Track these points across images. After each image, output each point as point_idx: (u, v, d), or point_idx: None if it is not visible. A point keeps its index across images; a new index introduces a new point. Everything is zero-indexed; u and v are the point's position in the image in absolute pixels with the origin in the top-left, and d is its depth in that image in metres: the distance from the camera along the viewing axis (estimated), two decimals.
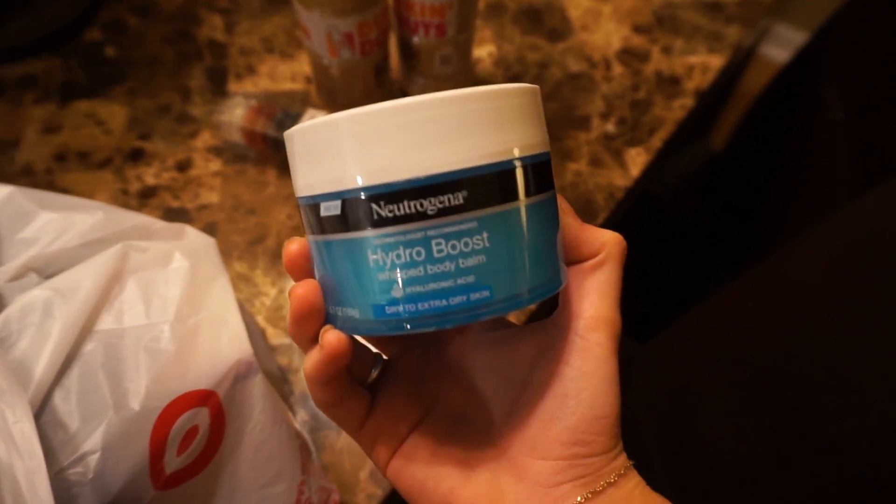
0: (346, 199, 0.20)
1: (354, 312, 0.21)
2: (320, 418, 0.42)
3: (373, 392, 0.26)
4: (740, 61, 0.77)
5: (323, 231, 0.21)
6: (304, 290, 0.21)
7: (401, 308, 0.20)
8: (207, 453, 0.30)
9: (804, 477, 0.39)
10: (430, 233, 0.19)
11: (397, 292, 0.20)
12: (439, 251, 0.19)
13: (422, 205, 0.19)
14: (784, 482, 0.40)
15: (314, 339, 0.22)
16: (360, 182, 0.19)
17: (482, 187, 0.19)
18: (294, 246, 0.23)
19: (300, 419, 0.42)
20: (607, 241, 0.23)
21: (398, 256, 0.19)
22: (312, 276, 0.23)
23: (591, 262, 0.24)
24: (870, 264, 0.38)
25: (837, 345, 0.38)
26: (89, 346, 0.28)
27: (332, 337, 0.21)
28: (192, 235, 0.36)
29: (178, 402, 0.28)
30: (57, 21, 0.59)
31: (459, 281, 0.20)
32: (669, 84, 0.60)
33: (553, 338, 0.24)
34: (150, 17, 0.62)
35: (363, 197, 0.19)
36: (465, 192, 0.19)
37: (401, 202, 0.19)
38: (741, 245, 0.76)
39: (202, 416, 0.29)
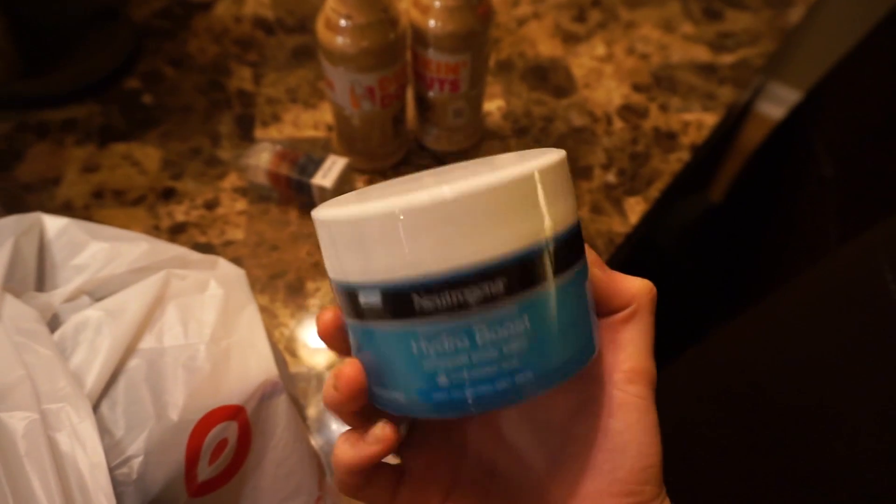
0: (386, 290, 0.19)
1: (399, 396, 0.21)
2: (335, 441, 0.44)
3: (400, 452, 0.25)
4: (736, 118, 0.82)
5: (362, 317, 0.20)
6: (353, 373, 0.21)
7: (446, 395, 0.20)
8: (235, 465, 0.32)
9: None
10: (473, 320, 0.19)
11: (442, 380, 0.19)
12: (482, 338, 0.19)
13: (463, 294, 0.19)
14: None
15: (355, 415, 0.22)
16: (399, 274, 0.19)
17: (521, 271, 0.19)
18: (328, 315, 0.22)
19: (315, 442, 0.44)
20: (637, 293, 0.23)
21: (441, 345, 0.19)
22: (346, 345, 0.22)
23: (622, 315, 0.23)
24: (850, 306, 0.41)
25: (824, 380, 0.41)
26: (134, 362, 0.31)
27: (389, 432, 0.21)
28: (225, 266, 0.39)
29: (211, 416, 0.31)
30: (99, 71, 0.64)
31: (504, 365, 0.19)
32: (666, 139, 0.64)
33: (591, 389, 0.24)
34: (185, 67, 0.67)
35: (404, 289, 0.19)
36: (504, 279, 0.19)
37: (442, 293, 0.19)
38: (735, 292, 0.78)
39: (231, 430, 0.32)
